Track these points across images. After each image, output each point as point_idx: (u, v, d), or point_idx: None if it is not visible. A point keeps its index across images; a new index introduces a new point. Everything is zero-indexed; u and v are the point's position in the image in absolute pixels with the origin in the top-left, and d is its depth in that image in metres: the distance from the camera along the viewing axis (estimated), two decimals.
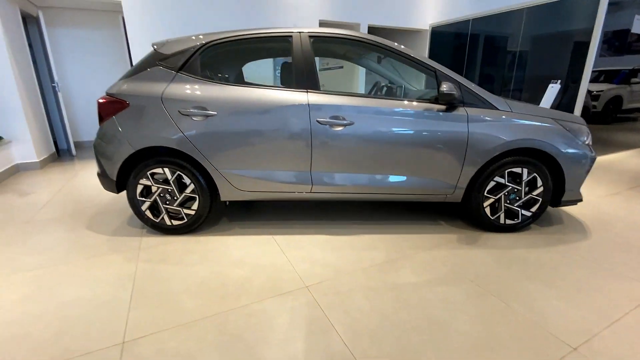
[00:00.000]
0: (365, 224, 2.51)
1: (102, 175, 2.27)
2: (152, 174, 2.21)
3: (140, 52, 4.30)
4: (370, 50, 2.57)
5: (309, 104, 2.11)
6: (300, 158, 2.18)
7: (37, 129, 4.28)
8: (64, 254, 2.11)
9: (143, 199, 2.26)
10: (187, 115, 2.09)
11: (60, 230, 2.44)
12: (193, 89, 2.12)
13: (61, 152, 5.13)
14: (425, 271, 1.90)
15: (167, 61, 2.16)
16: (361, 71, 5.98)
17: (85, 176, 3.88)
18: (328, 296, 1.68)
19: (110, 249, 2.16)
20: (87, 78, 5.37)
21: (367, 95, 2.21)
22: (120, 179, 2.25)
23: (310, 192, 2.27)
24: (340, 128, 2.12)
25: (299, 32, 2.22)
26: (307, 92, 2.15)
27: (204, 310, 1.59)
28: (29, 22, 4.75)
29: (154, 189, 2.24)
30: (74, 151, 4.96)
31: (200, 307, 1.60)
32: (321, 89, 2.18)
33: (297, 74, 2.18)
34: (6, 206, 2.94)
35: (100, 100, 2.16)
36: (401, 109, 2.16)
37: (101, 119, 2.17)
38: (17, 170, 4.02)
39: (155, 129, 2.10)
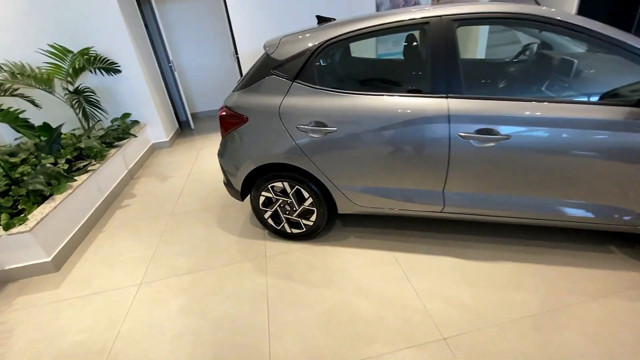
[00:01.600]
0: (505, 243, 2.12)
1: (228, 185, 2.36)
2: (272, 187, 2.19)
3: (239, 20, 4.20)
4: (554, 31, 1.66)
5: (449, 115, 1.70)
6: (432, 176, 1.86)
7: (164, 110, 4.76)
8: (204, 256, 2.35)
9: (265, 208, 2.30)
10: (305, 132, 1.92)
11: (198, 227, 2.72)
12: (310, 102, 1.91)
13: (182, 125, 5.71)
14: (601, 338, 1.51)
15: (281, 69, 1.95)
16: (482, 31, 4.71)
17: (206, 157, 4.24)
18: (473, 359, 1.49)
19: (241, 254, 2.32)
20: (195, 50, 5.60)
21: (534, 98, 1.65)
22: (244, 188, 2.31)
23: (442, 212, 1.97)
24: (491, 144, 1.68)
25: (439, 16, 1.71)
26: (447, 97, 1.72)
27: (338, 353, 1.58)
28: (142, 1, 5.01)
29: (274, 199, 2.25)
30: (192, 124, 5.46)
31: (334, 349, 1.60)
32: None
33: (434, 74, 1.74)
34: (155, 192, 3.42)
35: (222, 113, 2.13)
36: (588, 117, 1.57)
37: (223, 129, 2.18)
38: (154, 149, 4.64)
39: (275, 145, 2.01)
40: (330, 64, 2.21)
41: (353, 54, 2.52)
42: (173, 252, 2.45)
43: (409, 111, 1.75)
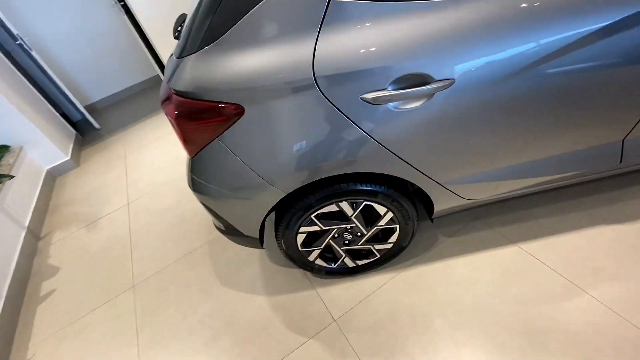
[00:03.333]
0: None
1: (229, 233, 1.31)
2: (320, 214, 1.22)
3: None
4: None
5: None
6: (616, 122, 1.04)
7: (42, 116, 3.09)
8: (237, 355, 1.40)
9: (308, 249, 1.35)
10: (383, 102, 0.92)
11: (193, 300, 1.68)
12: (386, 32, 0.86)
13: (79, 127, 4.02)
14: None
15: None
16: None
17: (140, 165, 2.91)
18: None
19: (293, 329, 1.40)
20: (51, 10, 3.68)
21: None
22: (262, 229, 1.30)
23: (616, 168, 1.21)
24: None
25: None
26: None
27: None
28: None
29: (322, 231, 1.30)
30: (94, 123, 3.83)
31: None
32: None
33: None
34: (88, 252, 2.17)
35: (176, 110, 0.99)
36: None
37: (189, 140, 1.05)
38: (54, 179, 3.10)
39: (320, 147, 0.99)
40: None
41: None
42: None
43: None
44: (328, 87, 0.90)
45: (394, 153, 1.02)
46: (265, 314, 1.49)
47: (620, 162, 1.17)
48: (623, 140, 1.11)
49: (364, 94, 0.90)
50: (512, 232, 1.50)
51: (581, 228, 1.43)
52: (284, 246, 1.31)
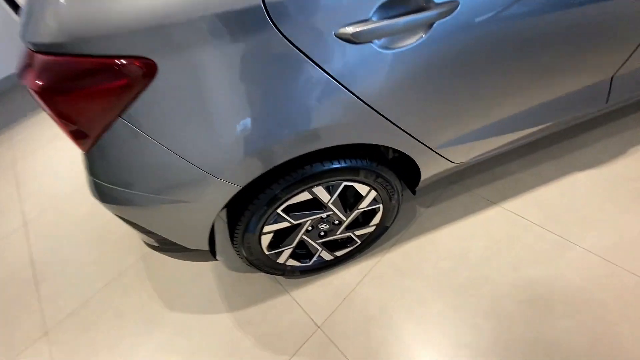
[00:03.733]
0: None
1: (166, 249, 0.96)
2: (288, 208, 0.94)
3: None
4: None
5: None
6: (606, 57, 0.92)
7: None
8: None
9: (275, 250, 1.07)
10: (365, 41, 0.65)
11: (139, 352, 1.31)
12: None
13: None
14: None
15: None
16: None
17: (31, 174, 2.28)
18: None
19: (278, 347, 1.14)
20: None
21: None
22: (212, 237, 0.98)
23: (602, 108, 1.12)
24: None
25: None
26: None
27: None
28: None
29: (293, 226, 1.02)
30: None
31: None
32: None
33: None
34: None
35: (38, 80, 0.61)
36: None
37: (73, 128, 0.68)
38: None
39: (279, 111, 0.70)
40: None
41: None
42: None
43: None
44: (287, 20, 0.60)
45: (380, 113, 0.77)
46: (231, 335, 1.20)
47: (607, 102, 1.08)
48: (612, 77, 1.01)
49: (340, 27, 0.62)
50: (491, 192, 1.39)
51: (557, 178, 1.37)
52: (245, 253, 1.01)
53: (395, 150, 1.13)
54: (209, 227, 0.86)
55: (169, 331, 1.27)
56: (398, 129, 0.82)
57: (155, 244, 0.95)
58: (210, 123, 0.67)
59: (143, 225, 0.85)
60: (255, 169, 0.76)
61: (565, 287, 1.08)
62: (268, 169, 0.77)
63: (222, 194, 0.78)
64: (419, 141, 0.88)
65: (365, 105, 0.74)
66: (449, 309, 1.11)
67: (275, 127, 0.70)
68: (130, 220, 0.84)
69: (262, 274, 1.34)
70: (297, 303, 1.23)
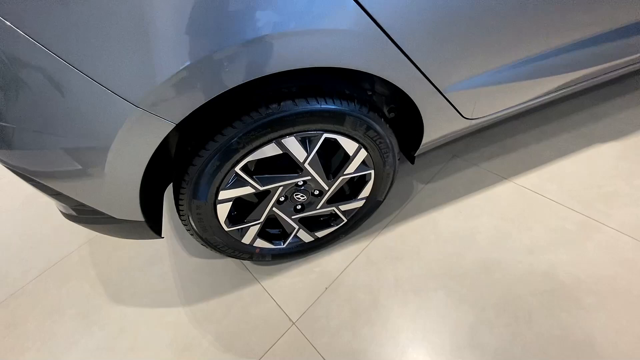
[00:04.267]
0: None
1: (85, 219, 0.73)
2: (251, 167, 0.72)
3: None
4: None
5: None
6: None
7: None
8: None
9: (238, 226, 0.84)
10: None
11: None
12: None
13: None
14: None
15: None
16: None
17: None
18: None
19: (243, 347, 0.92)
20: None
21: None
22: (149, 202, 0.75)
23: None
24: None
25: None
26: None
27: None
28: None
29: (262, 195, 0.80)
30: None
31: None
32: None
33: None
34: None
35: None
36: None
37: None
38: None
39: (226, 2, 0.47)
40: None
41: None
42: None
43: None
44: None
45: (381, 27, 0.55)
46: (187, 332, 0.98)
47: None
48: None
49: None
50: (501, 166, 1.19)
51: (576, 151, 1.18)
52: (196, 228, 0.78)
53: (391, 109, 0.92)
54: (137, 186, 0.63)
55: (112, 328, 1.03)
56: (401, 53, 0.60)
57: (73, 212, 0.71)
58: (113, 20, 0.45)
59: (43, 182, 0.61)
60: (194, 96, 0.53)
61: (593, 274, 0.89)
62: (213, 95, 0.54)
63: (147, 134, 0.56)
64: (425, 76, 0.66)
65: (369, 19, 0.52)
66: (452, 300, 0.91)
67: (220, 25, 0.48)
68: (25, 173, 0.60)
69: (230, 261, 1.12)
70: (269, 294, 1.01)
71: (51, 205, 1.48)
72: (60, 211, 0.76)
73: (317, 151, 0.74)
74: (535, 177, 1.13)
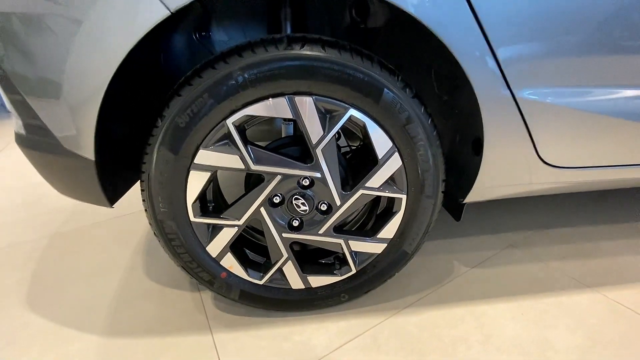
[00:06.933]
0: None
1: (28, 143, 0.58)
2: (243, 131, 0.56)
3: None
4: None
5: None
6: None
7: None
8: None
9: (209, 219, 0.62)
10: None
11: None
12: None
13: None
14: None
15: None
16: None
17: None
18: None
19: None
20: None
21: None
22: (105, 148, 0.59)
23: None
24: None
25: None
26: None
27: None
28: None
29: (253, 180, 0.62)
30: None
31: None
32: None
33: None
34: None
35: None
36: None
37: None
38: None
39: None
40: None
41: None
42: None
43: None
44: None
45: None
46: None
47: None
48: None
49: None
50: (580, 270, 0.87)
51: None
52: (152, 196, 0.57)
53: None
54: (97, 104, 0.48)
55: (3, 335, 0.74)
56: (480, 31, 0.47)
57: (22, 132, 0.55)
58: None
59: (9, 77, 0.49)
60: None
61: None
62: None
63: (132, 13, 0.44)
64: (495, 59, 0.50)
65: None
66: None
67: None
68: None
69: (188, 295, 0.83)
70: (217, 354, 0.68)
71: (33, 194, 1.37)
72: (15, 133, 0.62)
73: (336, 137, 0.56)
74: (634, 294, 0.79)
